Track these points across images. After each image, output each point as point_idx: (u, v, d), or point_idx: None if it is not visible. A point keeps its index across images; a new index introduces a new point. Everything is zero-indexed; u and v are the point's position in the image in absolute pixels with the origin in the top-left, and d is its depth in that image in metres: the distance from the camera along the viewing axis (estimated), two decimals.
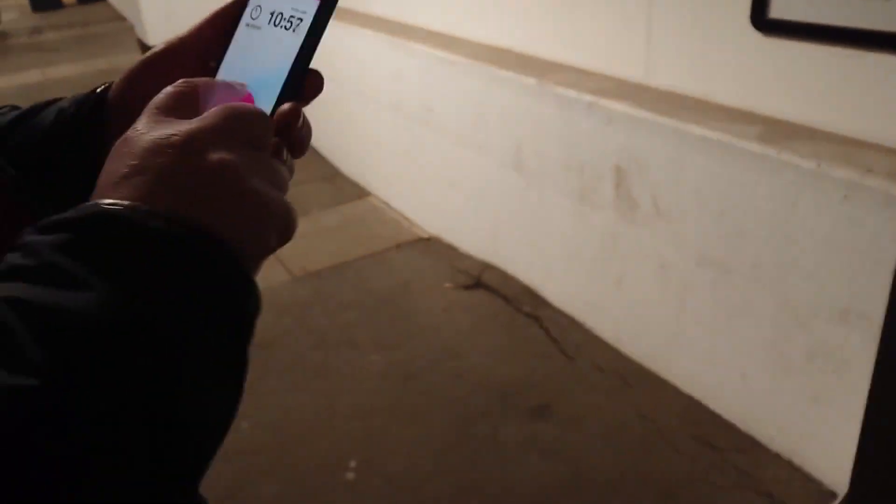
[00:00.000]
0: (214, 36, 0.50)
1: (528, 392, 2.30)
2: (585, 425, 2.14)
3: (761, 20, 1.81)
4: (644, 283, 2.23)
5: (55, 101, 0.56)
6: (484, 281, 2.90)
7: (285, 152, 0.44)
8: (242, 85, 0.46)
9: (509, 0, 2.74)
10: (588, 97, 2.23)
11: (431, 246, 3.26)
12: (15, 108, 0.58)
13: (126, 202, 0.35)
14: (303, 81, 0.46)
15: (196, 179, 0.37)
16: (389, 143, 3.44)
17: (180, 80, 0.42)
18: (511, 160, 2.68)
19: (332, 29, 0.47)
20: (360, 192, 3.81)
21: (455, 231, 3.21)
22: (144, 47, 5.38)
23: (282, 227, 0.40)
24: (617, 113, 2.14)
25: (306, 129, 0.46)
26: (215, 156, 0.38)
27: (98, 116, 0.52)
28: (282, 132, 0.44)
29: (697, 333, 2.10)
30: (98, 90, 0.53)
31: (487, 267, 2.98)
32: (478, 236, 3.05)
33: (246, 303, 0.37)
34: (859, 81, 1.69)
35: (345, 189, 3.89)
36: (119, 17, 10.38)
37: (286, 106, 0.45)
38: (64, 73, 7.23)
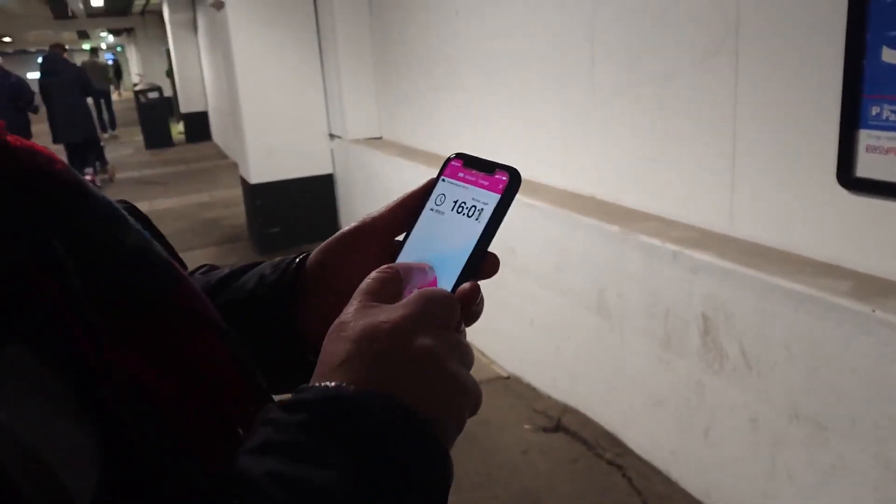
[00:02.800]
0: (402, 216, 0.57)
1: None
2: None
3: (848, 178, 1.85)
4: (733, 437, 2.17)
5: (255, 264, 0.63)
6: (563, 424, 2.87)
7: (463, 324, 0.50)
8: (431, 268, 0.52)
9: (591, 150, 2.88)
10: (672, 246, 2.28)
11: (511, 385, 3.25)
12: (213, 267, 0.66)
13: (353, 386, 0.41)
14: (481, 262, 0.52)
15: (407, 365, 0.43)
16: None
17: (384, 266, 0.49)
18: (593, 303, 2.72)
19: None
20: None
21: (534, 371, 3.21)
22: (246, 183, 5.80)
23: (474, 402, 0.46)
24: (702, 263, 2.18)
25: (481, 304, 0.52)
26: (420, 342, 0.44)
27: (296, 283, 0.59)
28: (462, 306, 0.50)
29: (791, 493, 2.01)
30: (297, 259, 0.60)
31: (567, 410, 2.94)
32: (558, 378, 3.04)
33: (447, 478, 0.42)
34: None
35: None
36: (222, 155, 11.24)
37: (467, 285, 0.50)
38: (169, 204, 7.81)
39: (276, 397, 0.49)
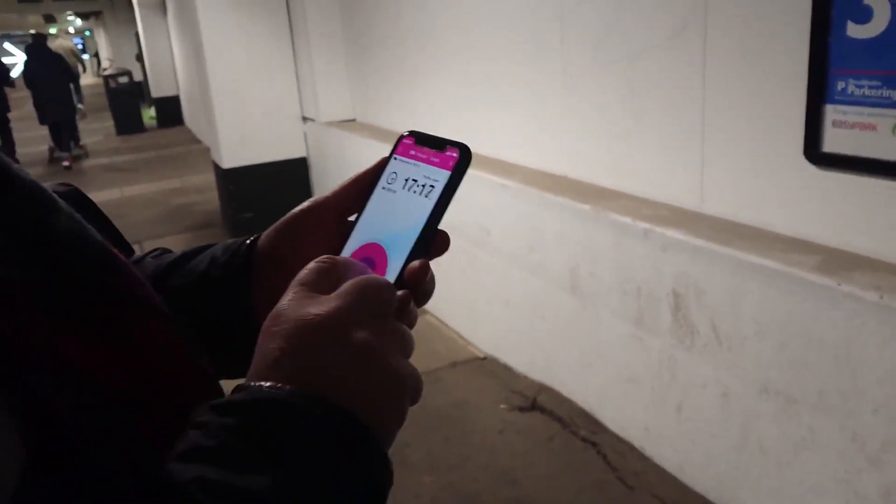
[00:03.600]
0: (354, 195, 0.56)
1: None
2: None
3: (815, 154, 1.86)
4: (705, 412, 2.19)
5: (206, 247, 0.62)
6: (539, 403, 2.88)
7: (412, 303, 0.49)
8: (369, 266, 0.51)
9: (563, 130, 2.87)
10: (643, 224, 2.29)
11: (487, 366, 3.26)
12: (166, 251, 0.65)
13: (286, 387, 0.40)
14: (432, 240, 0.52)
15: (343, 362, 0.42)
16: (446, 263, 3.51)
17: (323, 256, 0.48)
18: (566, 282, 2.72)
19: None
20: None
21: (510, 351, 3.22)
22: (218, 168, 5.73)
23: (414, 394, 0.45)
24: (673, 240, 2.18)
25: (432, 283, 0.51)
26: (356, 335, 0.42)
27: (248, 265, 0.58)
28: (411, 285, 0.49)
29: (763, 466, 2.03)
30: (248, 240, 0.59)
31: (543, 389, 2.96)
32: (533, 357, 3.05)
33: (384, 482, 0.41)
34: None
35: None
36: (194, 140, 11.10)
37: (416, 263, 0.50)
38: (140, 191, 7.70)
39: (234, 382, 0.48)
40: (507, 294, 3.15)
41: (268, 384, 0.40)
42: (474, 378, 3.17)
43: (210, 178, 6.56)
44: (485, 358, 3.33)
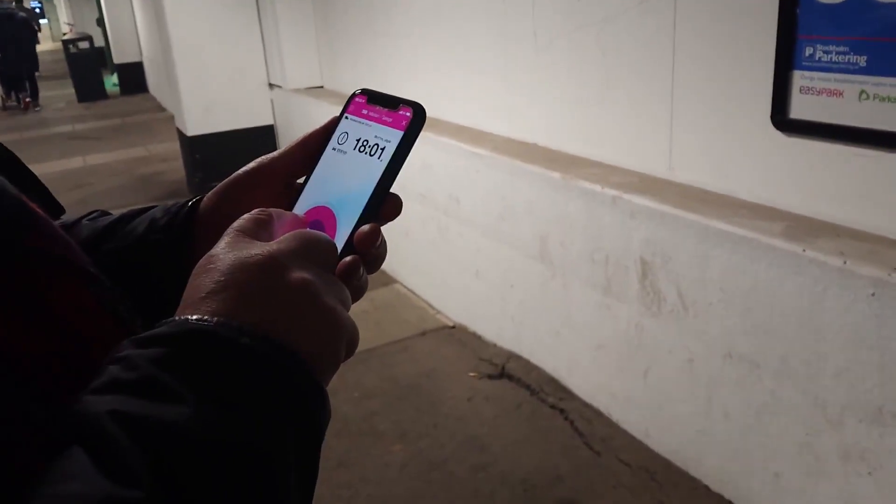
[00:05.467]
0: (302, 157, 0.53)
1: (553, 486, 2.25)
2: None
3: (782, 120, 1.87)
4: (671, 377, 2.21)
5: (147, 209, 0.59)
6: (508, 371, 2.89)
7: (362, 268, 0.47)
8: (305, 220, 0.49)
9: (534, 97, 2.85)
10: (612, 191, 2.28)
11: (456, 334, 3.26)
12: (105, 213, 0.61)
13: (215, 318, 0.37)
14: (382, 203, 0.49)
15: (278, 296, 0.40)
16: (416, 233, 3.51)
17: (258, 209, 0.45)
18: (536, 251, 2.72)
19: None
20: (387, 279, 3.86)
21: (480, 320, 3.22)
22: (183, 136, 5.61)
23: (350, 342, 0.43)
24: (640, 207, 2.18)
25: (383, 248, 0.49)
26: (295, 274, 0.40)
27: (188, 227, 0.55)
28: (360, 250, 0.47)
29: (726, 430, 2.07)
30: (189, 202, 0.56)
31: (512, 357, 2.97)
32: (502, 326, 3.06)
33: (321, 414, 0.39)
34: (881, 180, 1.72)
35: (371, 276, 3.94)
36: (159, 108, 10.85)
37: (366, 227, 0.48)
38: (104, 160, 7.52)
39: None
40: (477, 263, 3.14)
41: (195, 317, 0.38)
42: (444, 347, 3.17)
43: (175, 146, 6.43)
44: (454, 327, 3.33)
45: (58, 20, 25.29)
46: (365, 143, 0.52)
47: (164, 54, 5.61)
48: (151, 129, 9.09)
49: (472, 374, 2.91)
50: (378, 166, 0.50)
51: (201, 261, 0.42)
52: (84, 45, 12.05)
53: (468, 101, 3.28)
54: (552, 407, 2.64)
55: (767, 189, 2.00)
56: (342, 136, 0.53)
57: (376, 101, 0.53)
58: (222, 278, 0.40)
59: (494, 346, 3.08)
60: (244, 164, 0.56)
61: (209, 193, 0.56)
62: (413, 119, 0.51)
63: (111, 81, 13.50)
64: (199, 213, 0.56)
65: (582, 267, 2.49)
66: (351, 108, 0.54)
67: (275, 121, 5.53)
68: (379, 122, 0.52)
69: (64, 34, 16.40)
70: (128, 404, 0.34)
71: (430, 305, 3.55)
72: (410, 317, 3.47)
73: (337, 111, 0.55)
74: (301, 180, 0.54)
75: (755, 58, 1.91)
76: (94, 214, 0.62)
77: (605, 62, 2.45)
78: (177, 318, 0.38)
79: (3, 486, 0.33)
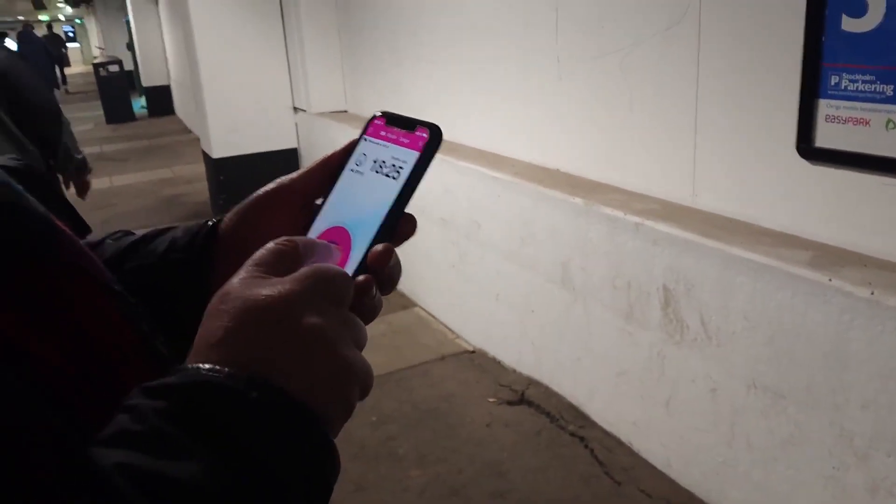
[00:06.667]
0: (321, 178, 0.54)
1: None
2: None
3: (807, 149, 1.85)
4: (693, 407, 2.19)
5: (168, 229, 0.60)
6: (528, 397, 2.87)
7: (375, 288, 0.47)
8: (338, 248, 0.49)
9: (556, 122, 2.86)
10: (634, 218, 2.28)
11: (475, 359, 3.25)
12: (128, 233, 0.62)
13: (225, 369, 0.37)
14: (397, 224, 0.49)
15: (290, 344, 0.39)
16: (437, 256, 3.52)
17: (283, 238, 0.45)
18: (557, 276, 2.71)
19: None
20: (406, 302, 3.86)
21: (499, 345, 3.20)
22: (208, 158, 5.69)
23: (363, 387, 0.43)
24: (663, 234, 2.17)
25: (397, 269, 0.49)
26: (307, 321, 0.40)
27: (209, 247, 0.56)
28: (374, 270, 0.47)
29: (750, 461, 2.03)
30: (210, 222, 0.57)
31: (532, 383, 2.95)
32: (522, 351, 3.04)
33: (331, 470, 0.39)
34: None
35: (391, 299, 3.94)
36: (185, 130, 11.02)
37: (380, 246, 0.48)
38: (130, 180, 7.64)
39: None
40: (498, 288, 3.13)
41: (207, 366, 0.38)
42: (463, 371, 3.16)
43: (200, 168, 6.51)
44: (474, 351, 3.31)
45: (89, 44, 25.89)
46: (382, 163, 0.52)
47: (191, 78, 5.71)
48: (177, 151, 9.22)
49: (491, 399, 2.90)
50: (394, 187, 0.50)
51: (215, 298, 0.42)
52: (114, 68, 12.31)
53: (490, 125, 3.30)
54: (572, 434, 2.61)
55: (792, 217, 1.98)
56: (360, 157, 0.54)
57: (394, 123, 0.54)
58: (232, 323, 0.39)
59: (514, 371, 3.07)
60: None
61: (229, 213, 0.57)
62: (429, 140, 0.51)
63: (139, 104, 13.76)
64: (219, 233, 0.56)
65: (603, 293, 2.48)
66: (370, 129, 0.55)
67: (299, 144, 5.59)
68: (396, 144, 0.53)
69: (95, 57, 16.77)
70: (136, 458, 0.34)
71: (450, 329, 3.54)
72: (430, 341, 3.46)
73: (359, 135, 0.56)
74: (319, 201, 0.55)
75: (780, 86, 1.91)
76: (118, 234, 0.63)
77: (629, 89, 2.45)
78: (188, 366, 0.38)
79: (14, 485, 0.33)
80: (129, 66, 14.35)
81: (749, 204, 2.10)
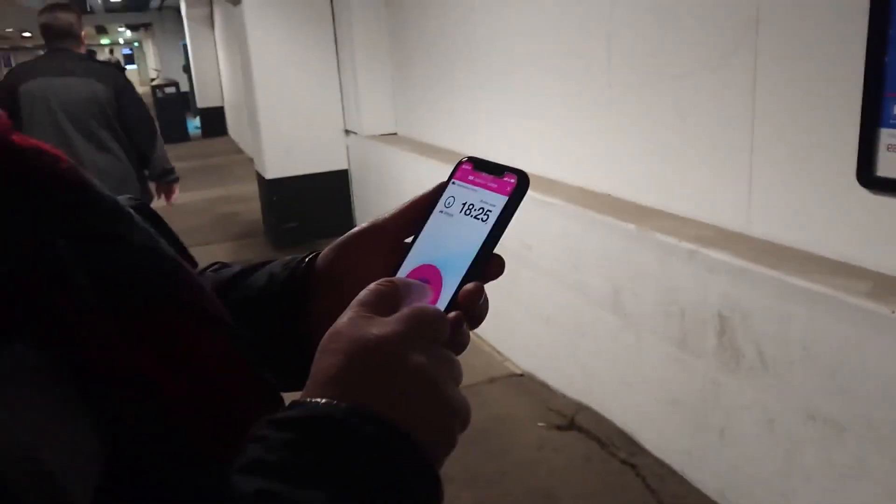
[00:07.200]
0: (411, 219, 0.57)
1: None
2: None
3: (868, 178, 1.83)
4: (749, 437, 2.16)
5: (264, 263, 0.64)
6: (577, 422, 2.86)
7: (465, 324, 0.50)
8: (430, 288, 0.52)
9: (608, 148, 2.87)
10: (688, 245, 2.27)
11: (524, 382, 3.25)
12: (224, 265, 0.66)
13: (342, 405, 0.41)
14: (486, 264, 0.52)
15: (399, 383, 0.43)
16: None
17: (384, 279, 0.49)
18: (608, 302, 2.71)
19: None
20: None
21: (548, 369, 3.20)
22: (262, 179, 5.83)
23: (463, 421, 0.45)
24: (718, 261, 2.16)
25: (485, 305, 0.52)
26: (412, 359, 0.43)
27: (306, 281, 0.59)
28: (465, 306, 0.50)
29: (807, 494, 1.99)
30: (307, 258, 0.60)
31: (581, 408, 2.94)
32: (572, 375, 3.04)
33: (436, 501, 0.42)
34: None
35: None
36: (237, 150, 11.29)
37: (471, 285, 0.51)
38: (185, 199, 7.84)
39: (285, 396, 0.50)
40: (548, 311, 3.14)
41: (324, 401, 0.41)
42: (511, 394, 3.16)
43: (253, 187, 6.67)
44: (522, 374, 3.32)
45: (146, 66, 26.77)
46: (471, 206, 0.55)
47: (247, 101, 5.87)
48: (230, 171, 9.46)
49: (540, 423, 2.90)
50: (483, 228, 0.53)
51: (326, 336, 0.45)
52: (171, 89, 12.72)
53: (540, 150, 3.32)
54: (623, 461, 2.59)
55: (851, 247, 1.96)
56: (449, 199, 0.57)
57: (482, 168, 0.57)
58: (345, 362, 0.43)
59: (563, 395, 3.06)
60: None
61: (325, 250, 0.60)
62: (517, 185, 0.54)
63: (193, 124, 14.16)
64: (315, 268, 0.59)
65: (656, 319, 2.47)
66: (458, 174, 0.58)
67: (349, 166, 5.69)
68: (485, 188, 0.55)
69: (152, 79, 17.35)
70: (273, 486, 0.38)
71: (497, 351, 3.55)
72: (478, 362, 3.48)
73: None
74: (409, 240, 0.57)
75: (839, 114, 1.89)
76: (216, 266, 0.67)
77: (682, 115, 2.46)
78: (307, 400, 0.42)
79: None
80: (184, 87, 14.80)
81: (806, 232, 2.08)
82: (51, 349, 0.38)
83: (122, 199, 0.53)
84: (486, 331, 3.68)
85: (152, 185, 3.72)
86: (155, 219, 0.60)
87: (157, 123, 3.63)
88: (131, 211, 0.49)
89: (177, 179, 3.77)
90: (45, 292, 0.39)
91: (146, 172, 3.60)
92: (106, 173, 3.22)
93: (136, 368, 0.41)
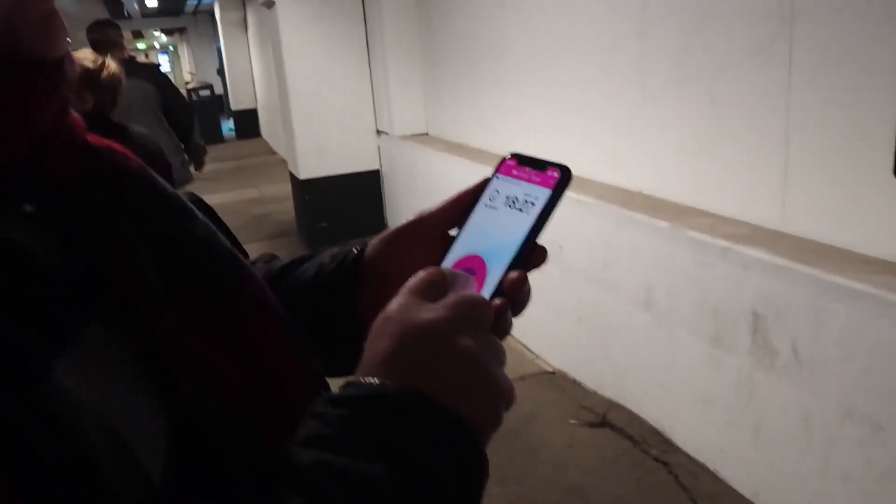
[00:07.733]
0: (456, 212, 0.59)
1: None
2: None
3: None
4: (784, 435, 2.14)
5: (313, 255, 0.66)
6: (609, 420, 2.86)
7: (509, 311, 0.51)
8: (473, 277, 0.54)
9: (640, 145, 2.86)
10: (723, 242, 2.25)
11: (556, 380, 3.25)
12: (273, 256, 0.69)
13: (396, 385, 0.43)
14: (530, 254, 0.54)
15: (448, 365, 0.45)
16: None
17: (431, 268, 0.51)
18: (641, 300, 2.70)
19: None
20: None
21: (580, 367, 3.20)
22: (295, 179, 5.90)
23: (508, 401, 0.47)
24: (753, 259, 2.14)
25: (528, 293, 0.53)
26: (460, 343, 0.45)
27: (355, 273, 0.61)
28: (509, 294, 0.52)
29: (845, 494, 1.97)
30: (355, 249, 0.63)
31: (613, 406, 2.93)
32: (603, 374, 3.03)
33: (482, 478, 0.44)
34: None
35: None
36: (270, 152, 11.43)
37: (514, 273, 0.52)
38: (220, 199, 7.98)
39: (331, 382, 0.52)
40: (579, 309, 3.13)
41: (377, 380, 0.43)
42: (543, 392, 3.16)
43: (286, 188, 6.76)
44: (553, 372, 3.32)
45: (181, 69, 27.23)
46: (515, 199, 0.56)
47: (281, 103, 5.95)
48: (264, 172, 9.58)
49: (572, 421, 2.89)
50: (527, 220, 0.54)
51: (378, 320, 0.47)
52: (205, 92, 12.93)
53: (572, 147, 3.32)
54: (656, 459, 2.58)
55: (889, 244, 1.93)
56: (493, 193, 0.58)
57: (526, 164, 0.58)
58: (397, 344, 0.45)
59: (595, 393, 3.05)
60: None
61: (374, 242, 0.62)
62: (561, 178, 0.56)
63: (227, 126, 14.37)
64: (364, 260, 0.62)
65: (689, 317, 2.46)
66: (502, 169, 0.59)
67: (381, 166, 5.73)
68: (528, 182, 0.57)
69: (187, 82, 17.65)
70: (329, 458, 0.40)
71: (528, 349, 3.55)
72: (509, 360, 3.39)
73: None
74: (453, 232, 0.59)
75: (877, 108, 1.87)
76: (266, 257, 0.70)
77: (716, 112, 2.44)
78: (361, 380, 0.44)
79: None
80: (218, 90, 15.02)
81: (842, 229, 2.06)
82: (123, 331, 0.40)
83: (183, 193, 0.56)
84: (517, 329, 3.66)
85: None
86: (210, 212, 0.63)
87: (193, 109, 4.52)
88: (192, 207, 0.52)
89: (206, 152, 4.72)
90: (119, 281, 0.42)
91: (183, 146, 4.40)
92: (164, 149, 3.74)
93: (196, 355, 0.44)
